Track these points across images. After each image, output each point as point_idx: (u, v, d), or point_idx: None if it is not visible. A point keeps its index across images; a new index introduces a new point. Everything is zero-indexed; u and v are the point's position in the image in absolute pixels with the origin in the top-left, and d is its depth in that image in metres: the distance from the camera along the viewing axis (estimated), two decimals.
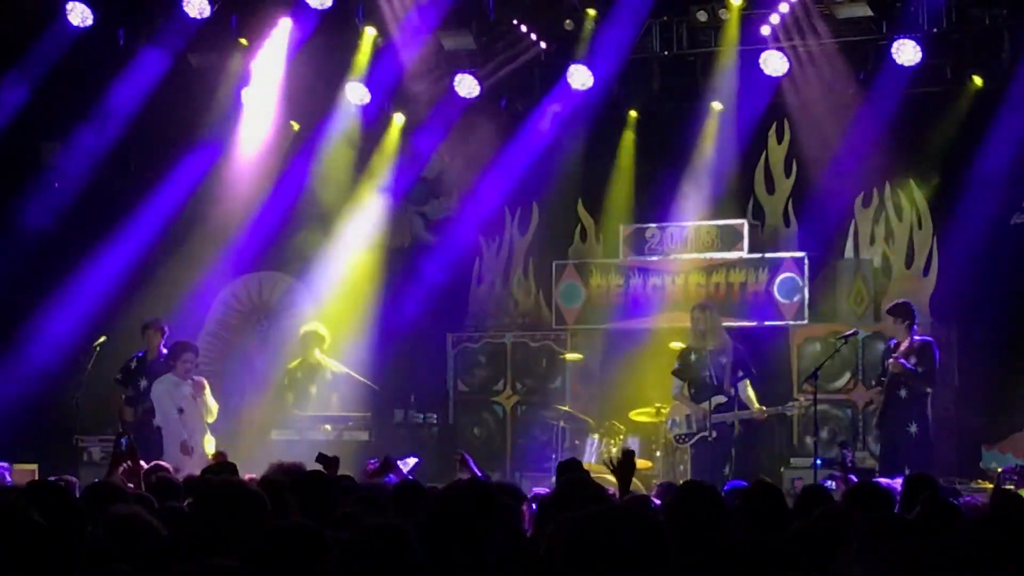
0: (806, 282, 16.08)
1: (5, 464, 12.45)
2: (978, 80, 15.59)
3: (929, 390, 14.16)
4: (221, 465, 10.07)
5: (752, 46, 15.87)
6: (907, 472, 12.31)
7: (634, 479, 14.38)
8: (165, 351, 14.70)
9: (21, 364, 16.89)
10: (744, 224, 16.60)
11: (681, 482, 10.20)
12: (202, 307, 18.23)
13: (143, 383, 14.60)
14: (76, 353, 15.62)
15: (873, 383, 14.54)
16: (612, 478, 13.80)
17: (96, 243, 17.15)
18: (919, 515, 6.68)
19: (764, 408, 14.44)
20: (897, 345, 14.05)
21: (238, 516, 5.23)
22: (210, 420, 14.57)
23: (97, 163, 17.26)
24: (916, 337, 13.98)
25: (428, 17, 16.22)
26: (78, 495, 7.41)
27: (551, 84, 16.90)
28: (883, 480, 10.05)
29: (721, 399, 14.29)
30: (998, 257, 15.48)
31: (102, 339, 14.67)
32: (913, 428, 13.55)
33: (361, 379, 15.69)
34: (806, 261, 16.17)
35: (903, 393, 13.68)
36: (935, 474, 9.75)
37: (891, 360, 13.81)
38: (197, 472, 13.91)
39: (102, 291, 16.81)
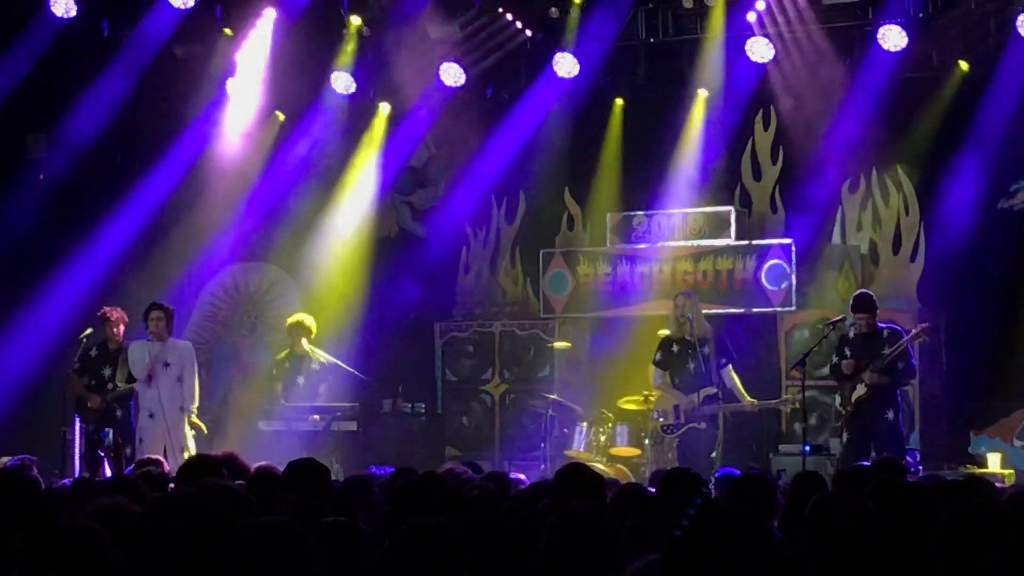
0: (794, 269, 16.03)
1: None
2: (964, 65, 15.59)
3: (913, 381, 14.12)
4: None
5: (738, 33, 15.85)
6: (875, 457, 12.27)
7: (623, 467, 14.54)
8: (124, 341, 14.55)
9: (8, 356, 16.84)
10: (731, 211, 16.58)
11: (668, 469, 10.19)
12: (189, 298, 18.19)
13: (107, 371, 14.45)
14: (63, 345, 15.55)
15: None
16: (603, 466, 13.89)
17: (82, 235, 17.09)
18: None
19: (756, 401, 14.34)
20: (860, 334, 13.73)
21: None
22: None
23: (82, 155, 17.17)
24: (883, 325, 13.70)
25: (413, 5, 16.18)
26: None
27: (537, 72, 16.88)
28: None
29: (711, 390, 14.19)
30: (986, 242, 15.48)
31: (88, 331, 14.60)
32: (890, 415, 13.46)
33: (349, 369, 15.66)
34: (793, 248, 16.13)
35: (885, 381, 13.56)
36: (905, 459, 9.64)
37: (870, 375, 13.44)
38: (170, 443, 13.87)
39: (89, 282, 16.75)
